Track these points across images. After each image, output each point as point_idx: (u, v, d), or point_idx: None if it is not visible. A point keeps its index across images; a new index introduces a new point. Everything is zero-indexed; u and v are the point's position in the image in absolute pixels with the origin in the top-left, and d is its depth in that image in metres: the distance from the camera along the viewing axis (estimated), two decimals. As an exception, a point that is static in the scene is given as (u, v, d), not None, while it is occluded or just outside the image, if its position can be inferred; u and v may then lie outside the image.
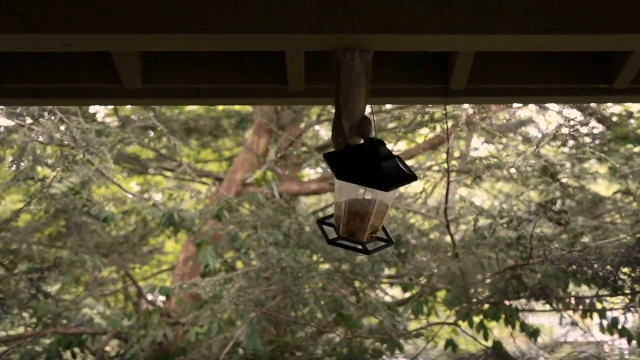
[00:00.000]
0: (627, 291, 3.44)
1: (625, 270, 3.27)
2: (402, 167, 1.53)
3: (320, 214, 5.99)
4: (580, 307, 4.13)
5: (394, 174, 1.49)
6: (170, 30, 1.51)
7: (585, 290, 4.29)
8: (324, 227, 1.69)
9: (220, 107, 6.70)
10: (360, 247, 1.62)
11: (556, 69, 2.00)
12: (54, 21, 1.49)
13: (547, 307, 4.13)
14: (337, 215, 1.64)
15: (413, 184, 1.61)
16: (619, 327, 3.98)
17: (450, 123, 3.36)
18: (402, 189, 5.92)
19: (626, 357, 4.36)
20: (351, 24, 1.51)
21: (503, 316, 3.99)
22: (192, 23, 1.50)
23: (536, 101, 3.23)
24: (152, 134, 5.98)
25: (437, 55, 1.99)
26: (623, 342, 4.19)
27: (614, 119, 5.64)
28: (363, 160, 1.50)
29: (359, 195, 1.56)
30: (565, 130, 3.42)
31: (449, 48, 1.83)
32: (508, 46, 1.70)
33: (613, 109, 5.56)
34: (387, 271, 4.79)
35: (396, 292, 5.67)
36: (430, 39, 1.56)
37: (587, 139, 5.28)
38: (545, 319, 6.12)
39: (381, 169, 1.47)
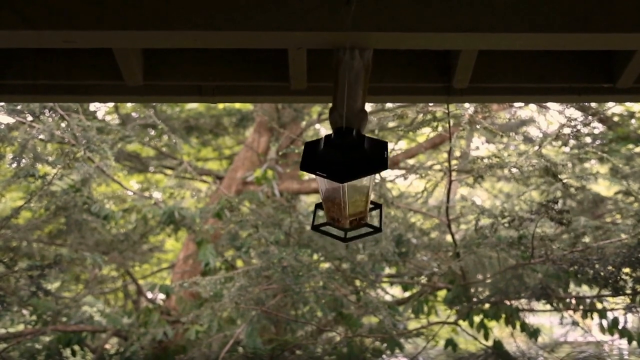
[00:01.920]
0: (628, 291, 3.43)
1: (627, 270, 3.26)
2: (371, 155, 1.47)
3: (321, 214, 5.98)
4: (581, 307, 4.12)
5: (355, 164, 1.45)
6: (172, 27, 1.50)
7: (585, 290, 4.29)
8: (318, 211, 1.70)
9: (220, 105, 6.70)
10: (341, 235, 1.62)
11: (559, 68, 1.99)
12: (56, 17, 1.48)
13: (548, 307, 4.13)
14: (330, 211, 1.64)
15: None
16: (620, 327, 3.97)
17: (451, 122, 3.35)
18: (403, 188, 5.88)
19: (625, 357, 4.36)
20: (353, 21, 1.50)
21: (504, 316, 3.99)
22: (194, 20, 1.49)
23: (538, 100, 3.22)
24: (152, 132, 5.97)
25: (439, 54, 1.98)
26: (622, 343, 4.19)
27: (615, 119, 5.64)
28: (328, 151, 1.47)
29: (332, 184, 1.55)
30: (567, 131, 3.41)
31: (451, 46, 1.82)
32: (511, 45, 1.70)
33: (614, 109, 5.56)
34: (387, 270, 4.78)
35: (396, 291, 5.66)
36: (432, 37, 1.56)
37: (588, 139, 5.27)
38: (545, 319, 6.12)
39: (341, 160, 1.44)
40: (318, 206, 1.73)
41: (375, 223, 1.67)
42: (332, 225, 1.64)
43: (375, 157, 1.47)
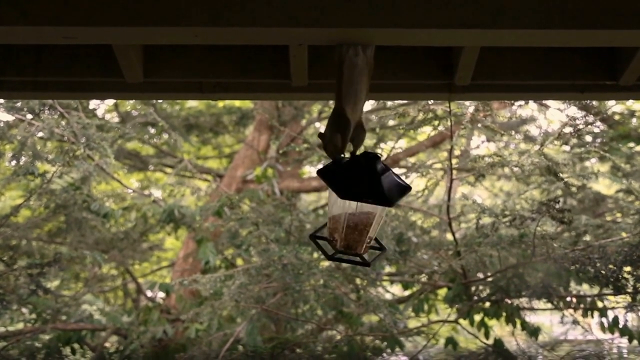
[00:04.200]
0: (629, 290, 3.43)
1: (628, 269, 3.26)
2: (397, 179, 1.54)
3: (321, 212, 5.98)
4: (582, 305, 4.12)
5: (393, 188, 1.51)
6: (172, 23, 1.49)
7: (586, 289, 4.29)
8: (319, 241, 1.67)
9: (220, 103, 6.68)
10: (359, 259, 1.62)
11: (561, 65, 1.98)
12: (55, 13, 1.47)
13: (548, 305, 4.12)
14: (332, 228, 1.62)
15: (415, 182, 1.62)
16: (620, 326, 3.97)
17: (452, 121, 3.34)
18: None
19: (625, 356, 4.35)
20: (354, 18, 1.49)
21: (504, 314, 3.98)
22: (195, 16, 1.48)
23: (541, 98, 3.21)
24: (152, 130, 5.96)
25: (441, 51, 1.97)
26: (623, 341, 4.18)
27: (616, 117, 5.63)
28: (362, 177, 1.50)
29: (357, 209, 1.56)
30: (568, 129, 3.40)
31: (453, 43, 1.81)
32: (513, 41, 1.69)
33: (615, 107, 5.55)
34: (388, 269, 4.77)
35: (397, 290, 5.66)
36: (434, 33, 1.55)
37: (589, 138, 5.27)
38: (545, 318, 6.11)
39: (382, 185, 1.49)
40: (314, 237, 1.69)
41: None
42: (345, 253, 1.62)
43: (401, 180, 1.55)
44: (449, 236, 4.33)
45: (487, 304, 4.03)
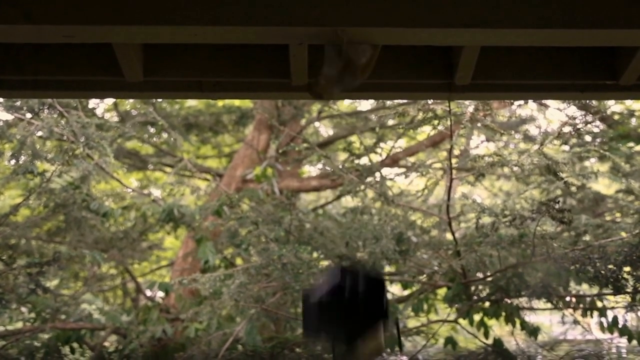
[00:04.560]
0: (629, 290, 3.43)
1: (627, 269, 3.26)
2: (369, 309, 1.47)
3: (320, 211, 5.97)
4: (581, 305, 4.12)
5: (359, 327, 1.45)
6: (172, 22, 1.49)
7: (585, 289, 4.29)
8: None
9: (220, 103, 6.68)
10: None
11: (562, 65, 1.98)
12: (55, 12, 1.47)
13: (548, 305, 4.12)
14: None
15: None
16: (620, 326, 3.97)
17: (452, 120, 3.34)
18: (403, 186, 5.89)
19: (624, 355, 4.36)
20: (355, 17, 1.49)
21: (504, 314, 3.98)
22: (195, 15, 1.48)
23: (541, 97, 3.21)
24: (152, 129, 5.95)
25: (441, 50, 1.97)
26: (622, 341, 4.19)
27: (616, 117, 5.63)
28: (324, 314, 1.46)
29: None
30: (568, 129, 3.40)
31: (454, 42, 1.81)
32: (513, 41, 1.69)
33: (614, 107, 5.56)
34: (387, 268, 4.77)
35: (396, 290, 5.66)
36: (434, 33, 1.55)
37: (589, 138, 5.27)
38: (544, 317, 6.12)
39: (346, 325, 1.45)
40: None
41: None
42: None
43: (375, 308, 1.48)
44: (449, 236, 4.32)
45: (487, 304, 4.03)
